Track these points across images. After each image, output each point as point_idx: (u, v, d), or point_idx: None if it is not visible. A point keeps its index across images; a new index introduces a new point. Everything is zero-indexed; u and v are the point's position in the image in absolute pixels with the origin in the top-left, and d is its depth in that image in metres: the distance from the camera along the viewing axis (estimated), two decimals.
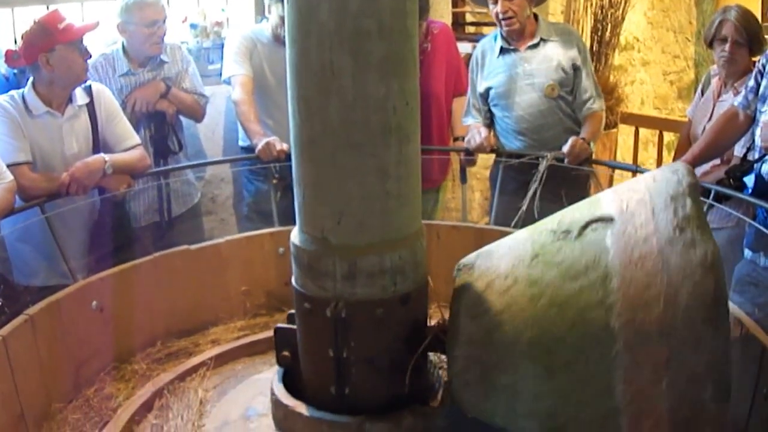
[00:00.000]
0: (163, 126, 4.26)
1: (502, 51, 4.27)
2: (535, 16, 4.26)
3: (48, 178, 3.57)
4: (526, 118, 4.25)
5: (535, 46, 4.21)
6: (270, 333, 3.29)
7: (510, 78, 4.26)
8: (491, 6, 4.16)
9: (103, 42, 4.41)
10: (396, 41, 2.08)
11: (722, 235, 3.83)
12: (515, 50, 4.24)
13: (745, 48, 3.89)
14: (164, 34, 4.20)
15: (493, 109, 4.39)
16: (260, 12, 5.00)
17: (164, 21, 4.17)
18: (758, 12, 5.05)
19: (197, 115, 4.49)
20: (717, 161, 3.81)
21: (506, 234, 3.66)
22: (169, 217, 4.31)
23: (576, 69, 4.19)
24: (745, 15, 3.90)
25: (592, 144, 4.10)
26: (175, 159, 4.32)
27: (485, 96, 4.38)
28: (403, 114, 2.13)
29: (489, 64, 4.35)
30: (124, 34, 4.15)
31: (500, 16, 4.12)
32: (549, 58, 4.20)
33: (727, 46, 3.93)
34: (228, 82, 4.37)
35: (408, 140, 2.17)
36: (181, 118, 4.43)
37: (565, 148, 3.98)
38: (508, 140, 4.37)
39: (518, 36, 4.22)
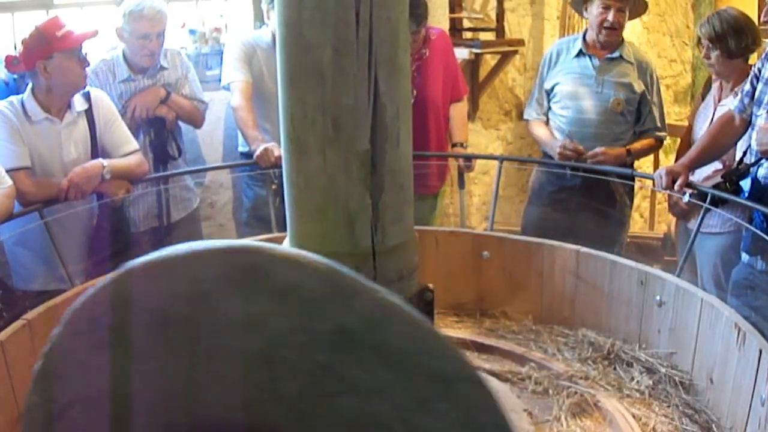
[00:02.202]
0: (163, 132, 4.26)
1: (579, 54, 4.36)
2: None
3: (47, 183, 3.58)
4: (580, 122, 4.33)
5: (612, 60, 4.30)
6: None
7: (580, 80, 4.34)
8: (598, 11, 4.20)
9: (104, 47, 4.42)
10: (292, 52, 2.13)
11: (723, 240, 3.85)
12: (592, 57, 4.33)
13: (719, 52, 3.90)
14: (160, 47, 4.18)
15: (552, 106, 4.47)
16: (259, 18, 5.01)
17: (159, 35, 4.14)
18: (754, 14, 5.04)
19: (196, 121, 4.49)
20: (719, 166, 3.82)
21: (504, 240, 3.71)
22: (168, 223, 4.31)
23: (642, 97, 4.30)
24: (714, 19, 3.92)
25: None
26: (174, 165, 4.32)
27: (549, 93, 4.47)
28: (301, 126, 2.16)
29: (562, 63, 4.44)
30: (122, 39, 4.16)
31: (607, 24, 4.19)
32: (622, 75, 4.29)
33: (703, 53, 4.00)
34: (227, 88, 4.38)
35: (306, 154, 2.17)
36: (180, 124, 4.43)
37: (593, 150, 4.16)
38: (561, 138, 4.42)
39: (603, 45, 4.29)
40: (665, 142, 4.68)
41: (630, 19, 4.38)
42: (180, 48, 4.63)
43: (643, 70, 4.32)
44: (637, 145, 4.31)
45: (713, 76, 4.22)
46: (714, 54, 3.91)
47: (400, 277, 2.27)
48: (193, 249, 1.44)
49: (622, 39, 4.33)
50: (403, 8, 2.15)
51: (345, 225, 2.21)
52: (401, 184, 2.23)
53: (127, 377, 1.55)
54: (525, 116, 4.68)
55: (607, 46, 4.28)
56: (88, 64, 3.73)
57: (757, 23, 4.04)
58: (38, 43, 3.54)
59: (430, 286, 2.39)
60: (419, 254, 2.39)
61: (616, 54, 4.28)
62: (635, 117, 4.33)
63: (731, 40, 3.85)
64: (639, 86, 4.28)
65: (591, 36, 4.32)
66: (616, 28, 4.20)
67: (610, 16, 4.15)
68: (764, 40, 3.97)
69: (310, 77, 2.12)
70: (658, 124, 4.36)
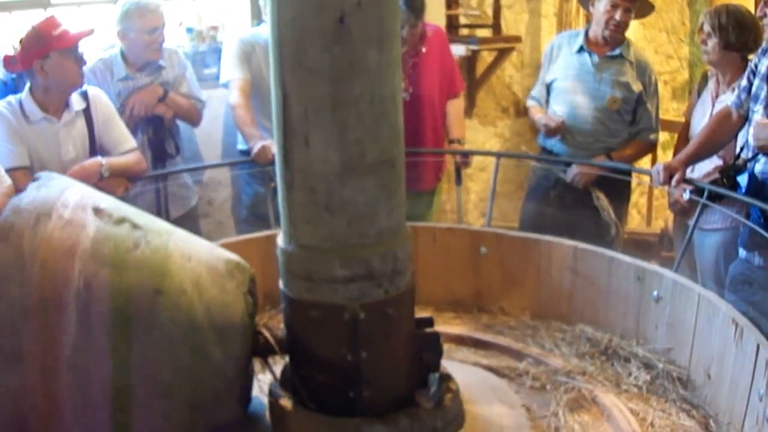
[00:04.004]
0: (161, 130, 4.27)
1: (581, 50, 4.39)
2: None
3: None
4: (576, 118, 4.37)
5: (613, 57, 4.32)
6: None
7: (578, 76, 4.38)
8: (605, 8, 4.23)
9: (101, 46, 4.42)
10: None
11: (723, 236, 3.85)
12: (592, 53, 4.35)
13: (717, 40, 3.91)
14: (163, 40, 4.21)
15: (550, 100, 4.52)
16: (256, 16, 5.01)
17: (163, 27, 4.18)
18: (750, 9, 5.05)
19: (194, 119, 4.50)
20: (720, 162, 3.83)
21: (501, 236, 3.72)
22: (167, 220, 4.31)
23: (639, 97, 4.32)
24: (717, 12, 3.95)
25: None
26: (172, 163, 4.33)
27: (548, 86, 4.52)
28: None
29: (563, 57, 4.48)
30: (125, 40, 4.16)
31: (613, 22, 4.22)
32: (621, 74, 4.32)
33: (701, 38, 4.03)
34: (226, 86, 4.38)
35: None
36: (178, 122, 4.44)
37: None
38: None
39: (606, 41, 4.31)
40: (662, 139, 4.69)
41: (636, 18, 4.40)
42: (177, 47, 4.63)
43: (642, 70, 4.34)
44: (625, 151, 4.36)
45: (709, 71, 4.23)
46: (711, 41, 3.93)
47: (307, 277, 2.26)
48: None
49: (624, 37, 4.34)
50: (316, 6, 2.07)
51: (283, 211, 2.31)
52: (314, 187, 2.20)
53: None
54: (527, 104, 4.74)
55: (610, 41, 4.29)
56: (85, 63, 3.74)
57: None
58: (35, 43, 3.54)
59: (355, 309, 2.25)
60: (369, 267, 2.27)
61: (616, 52, 4.29)
62: (632, 117, 4.34)
63: (732, 31, 3.87)
64: (637, 86, 4.29)
65: (594, 32, 4.33)
66: (622, 27, 4.23)
67: (618, 15, 4.18)
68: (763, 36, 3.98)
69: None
70: (653, 125, 4.38)
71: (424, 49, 4.51)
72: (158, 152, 4.26)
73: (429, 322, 2.48)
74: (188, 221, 4.46)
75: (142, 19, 4.07)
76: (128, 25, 4.09)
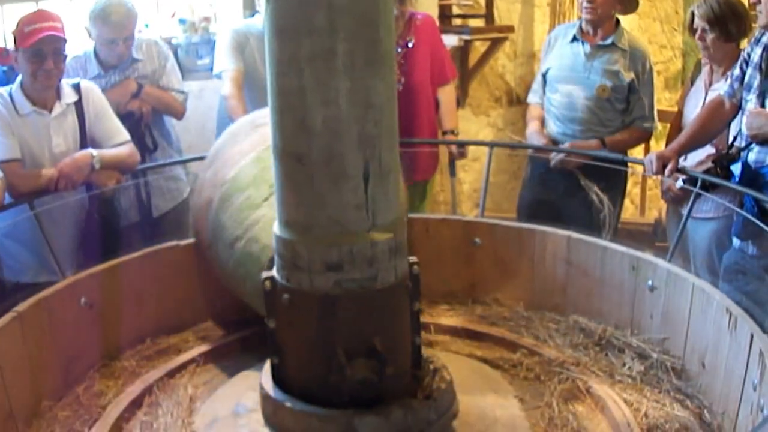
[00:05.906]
0: (139, 126, 4.22)
1: (574, 39, 4.41)
2: (617, 22, 4.39)
3: (37, 174, 3.56)
4: (568, 107, 4.39)
5: (605, 46, 4.32)
6: (259, 329, 3.30)
7: (570, 65, 4.40)
8: None
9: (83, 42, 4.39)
10: None
11: (716, 225, 3.85)
12: (584, 42, 4.37)
13: (716, 35, 3.90)
14: (129, 48, 4.17)
15: (546, 89, 4.54)
16: (248, 7, 5.00)
17: (127, 39, 4.12)
18: None
19: (176, 112, 4.44)
20: (712, 150, 3.82)
21: (495, 226, 3.71)
22: (152, 214, 4.30)
23: (631, 85, 4.31)
24: (707, 4, 3.92)
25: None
26: (151, 158, 4.29)
27: (544, 76, 4.55)
28: None
29: (557, 47, 4.51)
30: (90, 38, 4.14)
31: (585, 3, 4.26)
32: (612, 62, 4.32)
33: (697, 35, 3.99)
34: (219, 77, 4.37)
35: None
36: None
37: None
38: (550, 122, 4.51)
39: (594, 29, 4.34)
40: (657, 129, 4.68)
41: (621, 14, 4.39)
42: (161, 38, 4.59)
43: (636, 58, 4.33)
44: (618, 136, 4.36)
45: (703, 60, 4.22)
46: (710, 36, 3.91)
47: None
48: None
49: (618, 25, 4.35)
50: None
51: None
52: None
53: None
54: (528, 101, 4.75)
55: (591, 25, 4.32)
56: (55, 63, 3.63)
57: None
58: (13, 37, 3.55)
59: (264, 278, 2.38)
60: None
61: (608, 41, 4.29)
62: (625, 106, 4.33)
63: (731, 23, 3.86)
64: (628, 75, 4.28)
65: (584, 21, 4.34)
66: (592, 6, 4.24)
67: None
68: (753, 24, 3.97)
69: None
70: (646, 114, 4.36)
71: (413, 40, 4.49)
72: (138, 147, 4.20)
73: (379, 357, 2.25)
74: (180, 214, 4.44)
75: (102, 27, 4.04)
76: (91, 27, 4.07)
